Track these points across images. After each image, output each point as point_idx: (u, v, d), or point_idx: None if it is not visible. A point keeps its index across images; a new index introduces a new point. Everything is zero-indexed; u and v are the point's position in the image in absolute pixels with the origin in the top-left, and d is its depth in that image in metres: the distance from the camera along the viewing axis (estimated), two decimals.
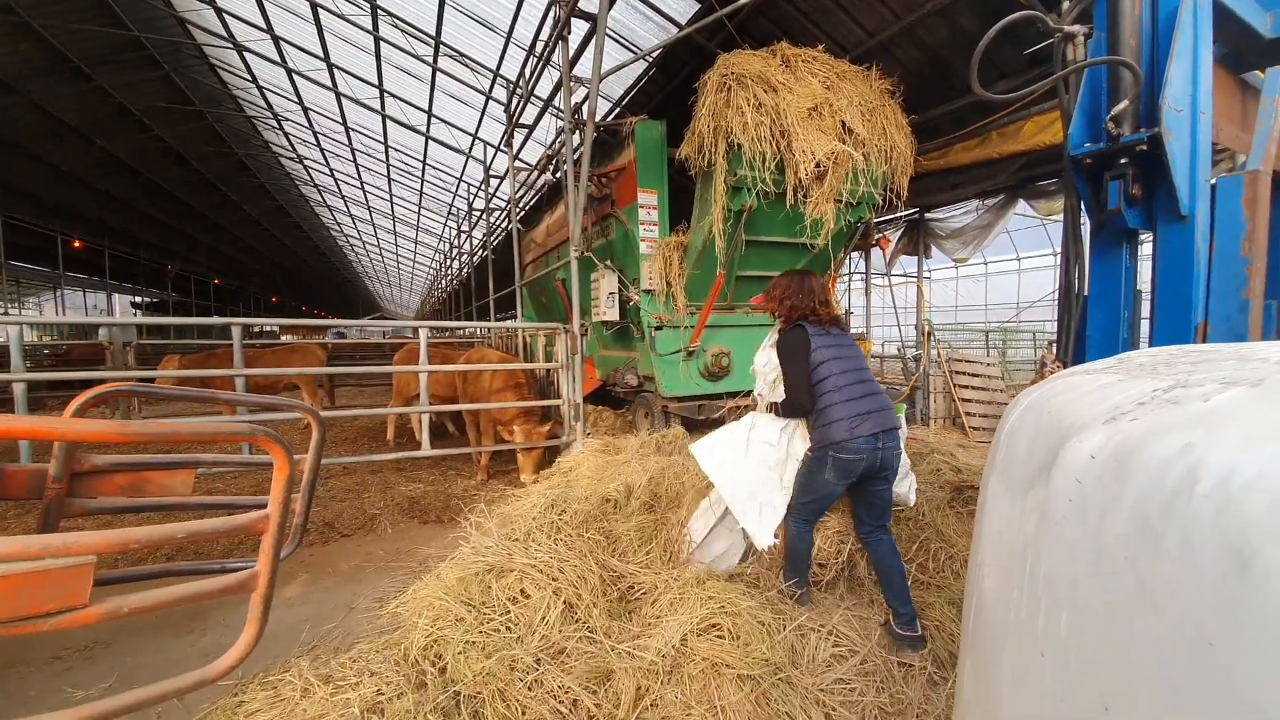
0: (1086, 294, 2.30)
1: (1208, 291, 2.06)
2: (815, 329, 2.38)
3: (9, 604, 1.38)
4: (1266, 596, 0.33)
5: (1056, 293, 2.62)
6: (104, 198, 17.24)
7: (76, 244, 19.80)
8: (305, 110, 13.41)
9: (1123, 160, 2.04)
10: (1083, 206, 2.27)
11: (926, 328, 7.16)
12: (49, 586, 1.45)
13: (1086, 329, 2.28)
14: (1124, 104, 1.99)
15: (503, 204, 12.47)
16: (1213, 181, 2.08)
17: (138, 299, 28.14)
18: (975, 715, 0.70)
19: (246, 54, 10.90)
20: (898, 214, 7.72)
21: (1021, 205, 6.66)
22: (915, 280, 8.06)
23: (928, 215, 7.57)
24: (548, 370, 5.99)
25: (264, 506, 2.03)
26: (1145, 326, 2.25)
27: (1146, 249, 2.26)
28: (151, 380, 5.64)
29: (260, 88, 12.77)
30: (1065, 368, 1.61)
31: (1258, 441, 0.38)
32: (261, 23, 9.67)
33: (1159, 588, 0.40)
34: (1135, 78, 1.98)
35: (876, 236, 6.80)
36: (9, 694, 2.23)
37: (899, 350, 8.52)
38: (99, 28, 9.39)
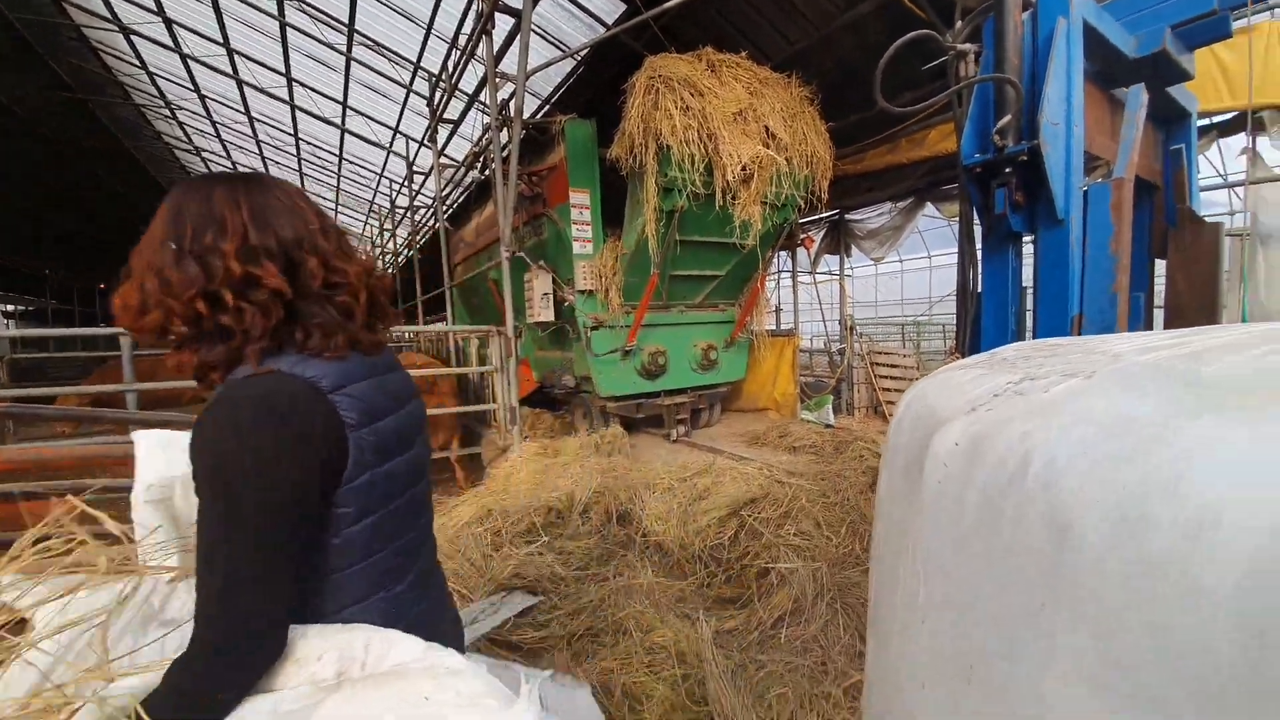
0: (980, 291, 2.53)
1: (1082, 287, 2.31)
2: (333, 367, 0.78)
3: None
4: (1078, 559, 0.39)
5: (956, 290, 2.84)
6: None
7: None
8: (203, 98, 12.33)
9: (1007, 169, 2.24)
10: (975, 211, 2.49)
11: (849, 322, 7.56)
12: None
13: (981, 322, 2.50)
14: (1008, 118, 2.19)
15: (429, 201, 12.01)
16: (1085, 188, 2.33)
17: (10, 308, 24.87)
18: (878, 685, 0.76)
19: (133, 37, 9.89)
20: (820, 215, 8.10)
21: (929, 207, 7.17)
22: (838, 278, 8.49)
23: (847, 216, 8.00)
24: (481, 374, 5.84)
25: None
26: (1031, 319, 2.50)
27: (1030, 249, 2.50)
28: (49, 400, 5.02)
29: (150, 74, 11.63)
30: (964, 358, 1.75)
31: (1076, 426, 0.44)
32: (152, 4, 8.81)
33: (1002, 559, 0.46)
34: (1017, 94, 2.18)
35: (801, 236, 7.12)
36: None
37: (825, 345, 8.95)
38: None
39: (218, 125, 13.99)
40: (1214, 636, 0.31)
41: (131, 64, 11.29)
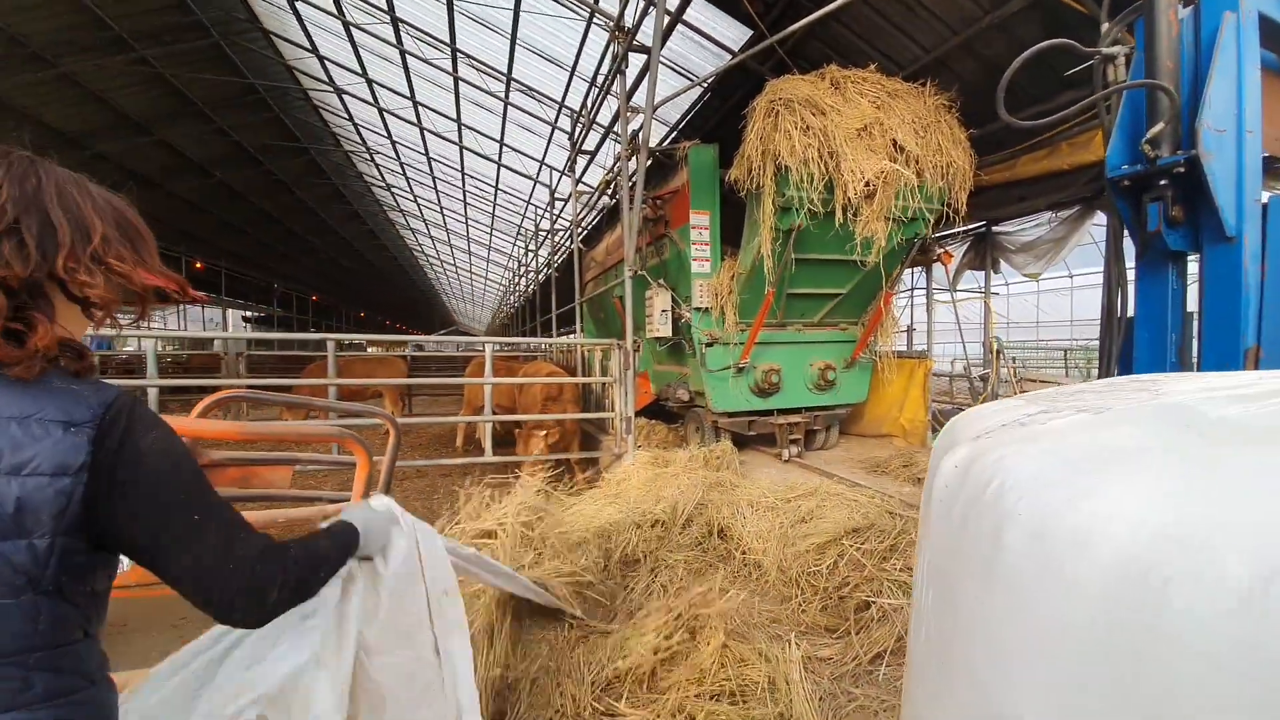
0: (1131, 316, 2.25)
1: (1260, 314, 1.99)
2: None
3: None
4: (1007, 560, 0.47)
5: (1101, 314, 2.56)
6: (221, 224, 19.53)
7: (198, 265, 22.45)
8: (393, 144, 14.69)
9: (1161, 182, 2.01)
10: (1125, 228, 2.24)
11: (995, 345, 6.85)
12: None
13: (1132, 351, 2.23)
14: (1160, 126, 1.98)
15: (566, 225, 13.06)
16: (1264, 201, 2.01)
17: (247, 313, 31.40)
18: (916, 688, 0.83)
19: (344, 96, 12.14)
20: (963, 228, 7.45)
21: (1099, 216, 6.28)
22: (983, 295, 7.72)
23: (995, 229, 7.27)
24: (603, 385, 6.26)
25: (349, 500, 2.41)
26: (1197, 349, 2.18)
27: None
28: (277, 388, 6.39)
29: (356, 125, 14.14)
30: None
31: (1041, 455, 0.51)
32: (357, 68, 10.78)
33: (969, 563, 0.54)
34: (1170, 100, 1.96)
35: (938, 251, 6.63)
36: (135, 652, 2.66)
37: (965, 368, 8.17)
38: (218, 75, 10.81)
39: (404, 166, 16.52)
40: (1088, 619, 0.39)
41: (341, 117, 13.84)
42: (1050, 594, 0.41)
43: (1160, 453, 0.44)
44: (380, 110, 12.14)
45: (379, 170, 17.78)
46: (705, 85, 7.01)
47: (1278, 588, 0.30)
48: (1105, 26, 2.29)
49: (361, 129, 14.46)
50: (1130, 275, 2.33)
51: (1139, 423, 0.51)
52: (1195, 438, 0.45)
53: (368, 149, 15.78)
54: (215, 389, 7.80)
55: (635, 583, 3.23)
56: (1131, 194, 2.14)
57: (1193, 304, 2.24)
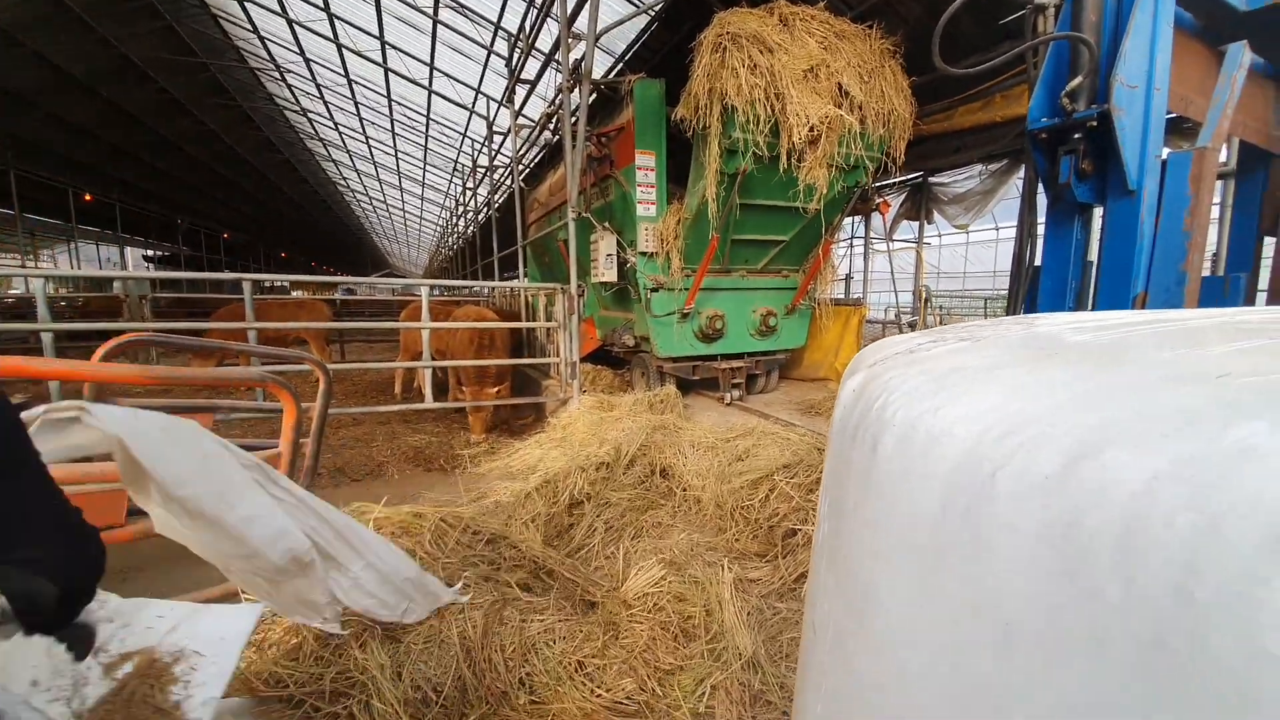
0: (1039, 264, 2.43)
1: (1150, 263, 2.18)
2: None
3: None
4: (879, 466, 0.52)
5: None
6: (112, 151, 17.28)
7: (88, 197, 19.96)
8: (307, 61, 13.25)
9: (1075, 135, 2.12)
10: (1040, 179, 2.37)
11: (924, 294, 7.22)
12: (90, 507, 1.72)
13: (1037, 296, 2.42)
14: (1079, 79, 2.07)
15: (507, 161, 12.41)
16: (1163, 157, 2.17)
17: (149, 253, 28.49)
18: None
19: (247, 3, 10.74)
20: (901, 178, 7.66)
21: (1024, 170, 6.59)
22: (916, 246, 8.06)
23: (931, 180, 7.51)
24: (547, 329, 6.18)
25: (278, 448, 2.31)
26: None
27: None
28: (189, 332, 5.91)
29: (262, 38, 12.61)
30: None
31: (917, 376, 0.56)
32: None
33: (854, 470, 0.59)
34: (1090, 53, 2.04)
35: (877, 201, 6.80)
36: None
37: (896, 315, 8.60)
38: None
39: (321, 88, 14.99)
40: (938, 507, 0.44)
41: (245, 29, 12.28)
42: (911, 489, 0.47)
43: (1009, 368, 0.49)
44: (290, 22, 10.84)
45: (292, 93, 16.08)
46: (652, 13, 6.67)
47: (1076, 471, 0.35)
48: None
49: (269, 43, 12.92)
50: (1041, 227, 2.49)
51: (1002, 347, 0.56)
52: (1043, 357, 0.50)
53: (277, 67, 14.17)
54: (119, 333, 7.14)
55: (579, 521, 3.33)
56: (1048, 146, 2.25)
57: (1094, 255, 2.42)
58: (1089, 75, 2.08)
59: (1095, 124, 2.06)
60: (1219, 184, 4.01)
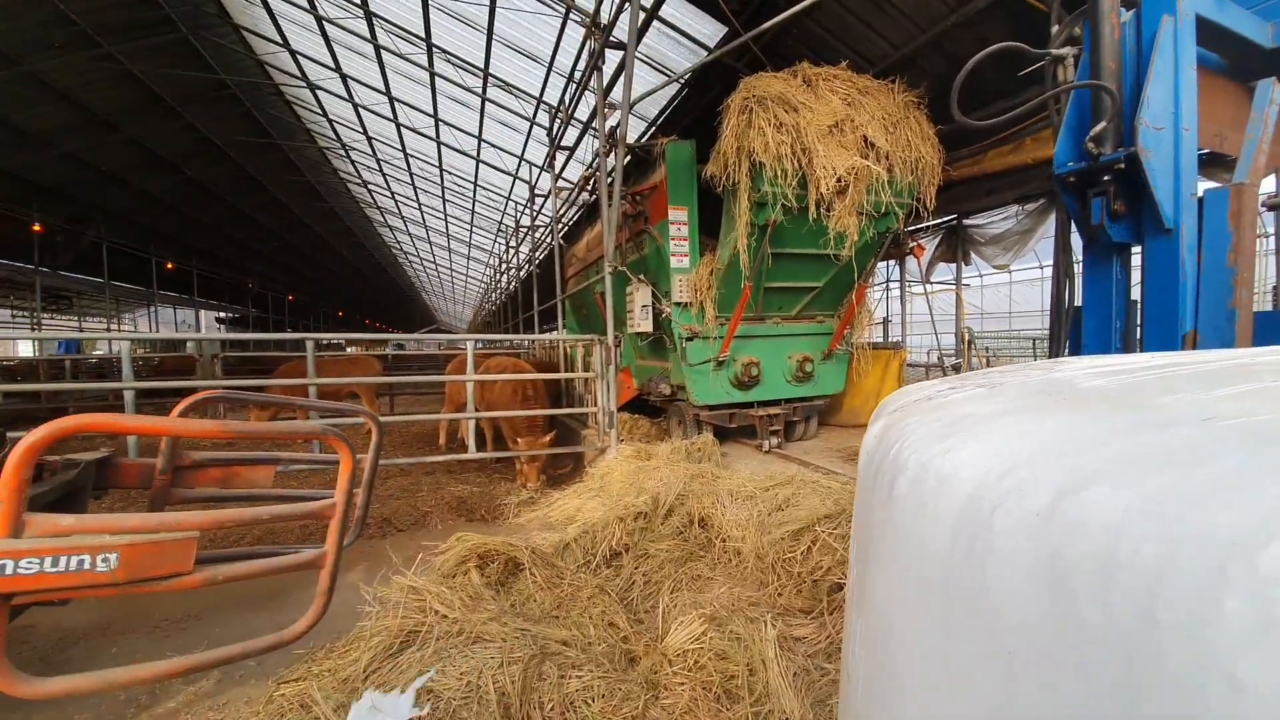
0: (1079, 305, 2.38)
1: (1197, 301, 2.12)
2: None
3: (135, 567, 1.76)
4: (894, 506, 0.55)
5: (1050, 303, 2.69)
6: (193, 223, 19.11)
7: (169, 265, 21.94)
8: (369, 140, 14.50)
9: (1104, 178, 2.13)
10: (1072, 221, 2.37)
11: (967, 335, 7.05)
12: (164, 555, 1.83)
13: (1081, 338, 2.36)
14: (1103, 124, 2.09)
15: (547, 221, 13.05)
16: (1199, 195, 2.14)
17: (221, 314, 30.78)
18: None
19: (318, 91, 11.96)
20: (934, 221, 7.66)
21: None
22: (955, 288, 7.93)
23: (966, 222, 7.48)
24: (585, 380, 6.32)
25: (332, 498, 2.41)
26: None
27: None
28: (255, 388, 6.35)
29: (330, 121, 13.93)
30: None
31: (932, 422, 0.59)
32: (331, 63, 10.63)
33: (875, 511, 0.62)
34: (1112, 99, 2.08)
35: (910, 245, 6.80)
36: (121, 655, 2.69)
37: (939, 358, 8.38)
38: (188, 72, 10.58)
39: (380, 161, 16.31)
40: (946, 544, 0.47)
41: (315, 113, 13.62)
42: (922, 529, 0.50)
43: (1017, 413, 0.53)
44: (355, 105, 11.99)
45: (354, 166, 17.54)
46: (682, 81, 7.08)
47: (1061, 507, 0.38)
48: (1056, 29, 2.41)
49: (336, 125, 14.26)
50: (1079, 267, 2.46)
51: (1014, 394, 0.59)
52: (1050, 402, 0.53)
53: (343, 145, 15.56)
54: (191, 391, 7.70)
55: (618, 573, 3.30)
56: (1078, 189, 2.26)
57: (1136, 293, 2.37)
58: (1113, 120, 2.10)
59: (1123, 166, 2.07)
60: (1271, 216, 3.86)
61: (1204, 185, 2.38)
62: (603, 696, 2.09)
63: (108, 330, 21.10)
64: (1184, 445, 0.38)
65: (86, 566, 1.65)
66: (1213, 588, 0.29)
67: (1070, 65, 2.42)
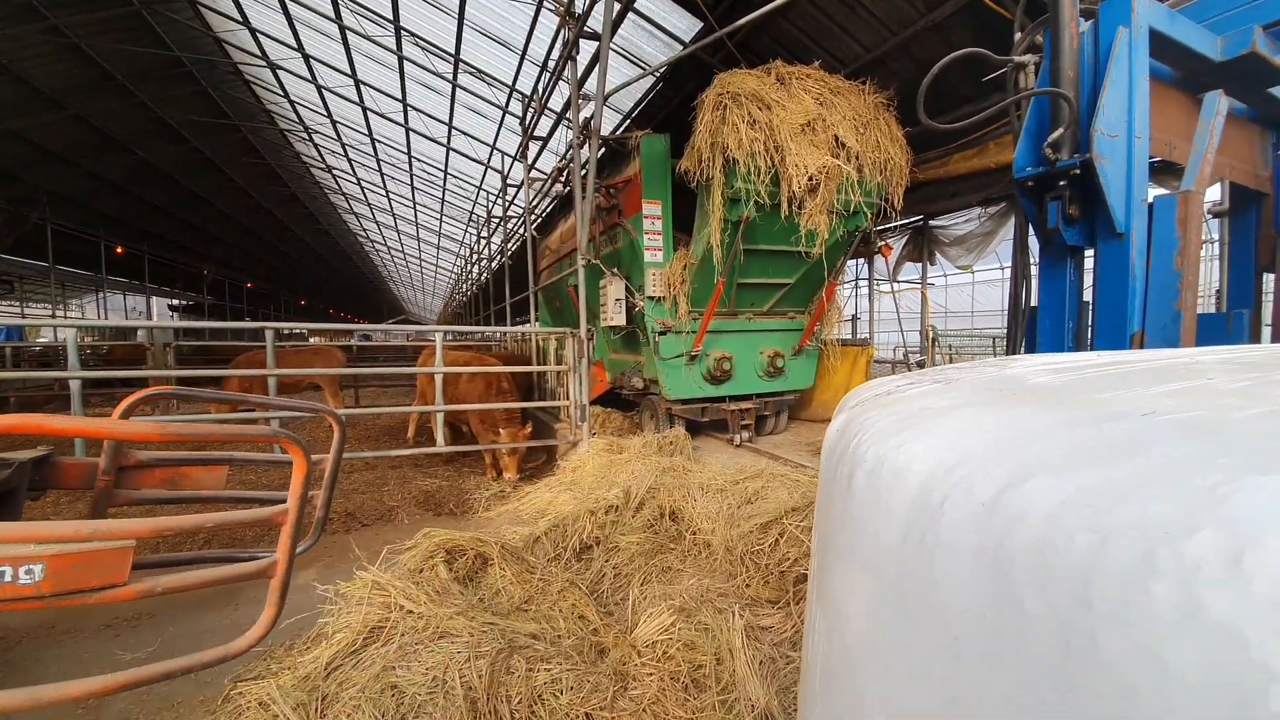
0: (1035, 305, 2.48)
1: (1145, 303, 2.23)
2: None
3: (63, 579, 1.65)
4: (853, 499, 0.57)
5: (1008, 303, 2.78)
6: (145, 206, 18.20)
7: (119, 250, 20.86)
8: (334, 123, 14.03)
9: (1061, 183, 2.21)
10: (1030, 224, 2.45)
11: (931, 333, 7.25)
12: (95, 565, 1.71)
13: (1036, 337, 2.46)
14: (1059, 131, 2.17)
15: (520, 212, 12.87)
16: (1150, 200, 2.25)
17: (175, 302, 29.46)
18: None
19: (279, 71, 11.50)
20: (902, 221, 7.84)
21: None
22: (920, 287, 8.15)
23: (931, 223, 7.68)
24: (558, 372, 6.27)
25: (285, 500, 2.26)
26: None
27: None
28: (211, 379, 6.08)
29: (292, 102, 13.42)
30: None
31: (887, 416, 0.61)
32: (293, 42, 10.22)
33: (834, 504, 0.63)
34: (1070, 106, 2.16)
35: (879, 244, 6.95)
36: (66, 656, 2.57)
37: (904, 355, 8.60)
38: (142, 48, 10.05)
39: (346, 146, 15.81)
40: (899, 535, 0.48)
41: (276, 94, 13.10)
42: (877, 519, 0.51)
43: (968, 408, 0.54)
44: (319, 87, 11.58)
45: (318, 151, 16.96)
46: (657, 75, 7.05)
47: (1004, 499, 0.39)
48: (1018, 36, 2.48)
49: (298, 106, 13.74)
50: (1036, 269, 2.55)
51: (968, 389, 0.61)
52: (1001, 398, 0.55)
53: (305, 128, 15.01)
54: (143, 381, 7.34)
55: (588, 566, 3.31)
56: (1035, 193, 2.34)
57: (1089, 294, 2.47)
58: (1070, 127, 2.18)
59: (1078, 172, 2.15)
60: (1216, 222, 4.08)
61: (1155, 192, 2.49)
62: (571, 688, 2.09)
63: (53, 317, 19.99)
64: (1120, 439, 0.40)
65: (7, 579, 1.52)
66: (1141, 575, 0.30)
67: (1031, 72, 2.50)
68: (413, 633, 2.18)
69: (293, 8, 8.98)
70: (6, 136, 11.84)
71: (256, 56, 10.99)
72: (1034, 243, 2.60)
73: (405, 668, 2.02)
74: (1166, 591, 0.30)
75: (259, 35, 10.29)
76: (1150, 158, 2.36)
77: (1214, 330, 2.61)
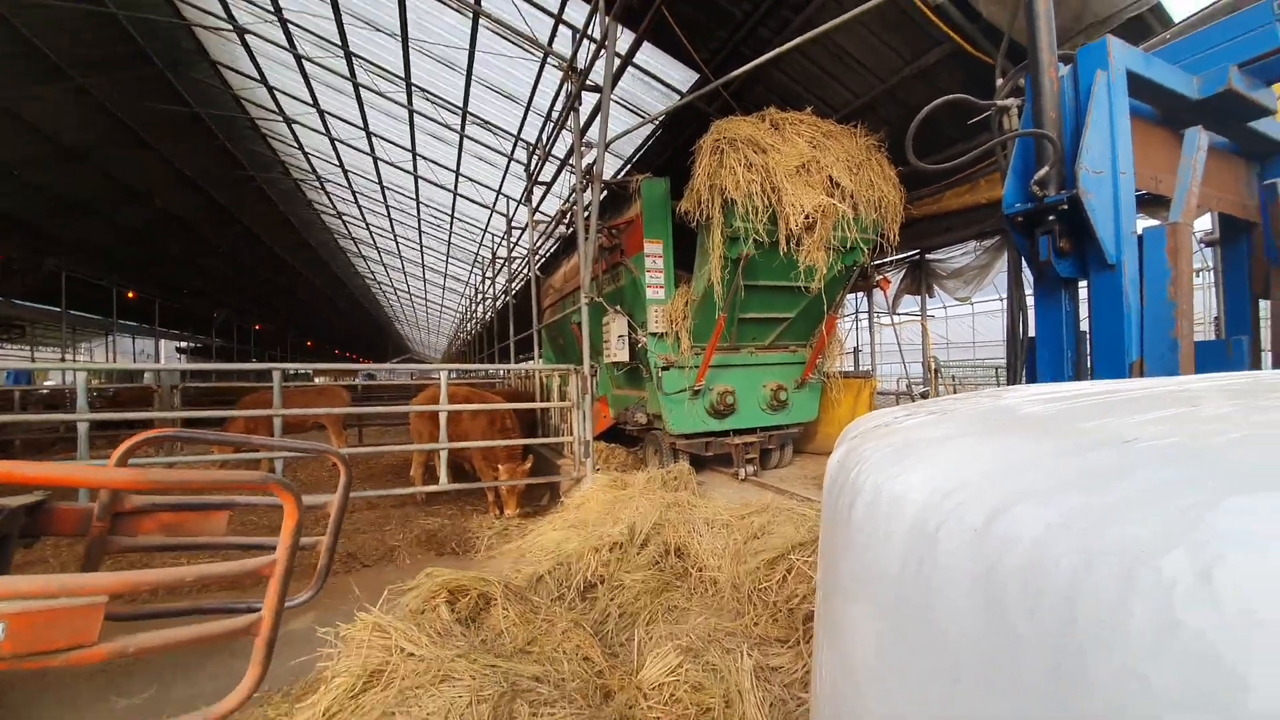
0: (1032, 336, 2.51)
1: (1141, 332, 2.25)
2: None
3: (26, 639, 1.54)
4: (850, 527, 0.58)
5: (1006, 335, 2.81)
6: (160, 253, 18.65)
7: (130, 295, 21.28)
8: (345, 172, 14.51)
9: (1050, 217, 2.28)
10: (1023, 258, 2.51)
11: (933, 364, 7.26)
12: (60, 625, 1.58)
13: (1036, 366, 2.48)
14: (1045, 169, 2.25)
15: (524, 253, 13.13)
16: (1139, 232, 2.30)
17: (182, 344, 29.80)
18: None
19: (294, 125, 11.98)
20: (899, 256, 7.97)
21: None
22: (920, 319, 8.21)
23: (928, 256, 7.80)
24: (561, 409, 6.28)
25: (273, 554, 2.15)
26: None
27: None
28: (218, 420, 6.06)
29: (306, 153, 13.92)
30: None
31: (884, 447, 0.63)
32: (308, 98, 10.69)
33: (835, 532, 0.64)
34: (1054, 146, 2.24)
35: (876, 278, 7.04)
36: (63, 700, 2.51)
37: (907, 386, 8.59)
38: (163, 105, 10.51)
39: (356, 194, 16.30)
40: (898, 561, 0.50)
41: (290, 145, 13.60)
42: (876, 546, 0.52)
43: (962, 438, 0.56)
44: (332, 140, 12.03)
45: (329, 198, 17.47)
46: (656, 123, 7.32)
47: (995, 524, 0.41)
48: (1000, 81, 2.60)
49: (311, 157, 14.24)
50: (1031, 300, 2.59)
51: (963, 420, 0.64)
52: (994, 428, 0.57)
53: (318, 177, 15.52)
54: (149, 423, 7.36)
55: (592, 606, 3.24)
56: (1026, 228, 2.40)
57: (1087, 324, 2.50)
58: (1055, 165, 2.26)
59: (1066, 207, 2.21)
60: (1210, 250, 4.14)
61: (1147, 223, 2.56)
62: None
63: (62, 360, 20.23)
64: (1103, 465, 0.42)
65: None
66: (1122, 594, 0.32)
67: (1015, 114, 2.60)
68: (414, 676, 2.13)
69: (309, 67, 9.43)
70: (30, 189, 12.27)
71: (273, 112, 11.47)
72: (1029, 275, 2.65)
73: (405, 713, 1.97)
74: (1145, 609, 0.31)
75: (275, 92, 10.78)
76: (1137, 191, 2.43)
77: (1213, 357, 2.63)
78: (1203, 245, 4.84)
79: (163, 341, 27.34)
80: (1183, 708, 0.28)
